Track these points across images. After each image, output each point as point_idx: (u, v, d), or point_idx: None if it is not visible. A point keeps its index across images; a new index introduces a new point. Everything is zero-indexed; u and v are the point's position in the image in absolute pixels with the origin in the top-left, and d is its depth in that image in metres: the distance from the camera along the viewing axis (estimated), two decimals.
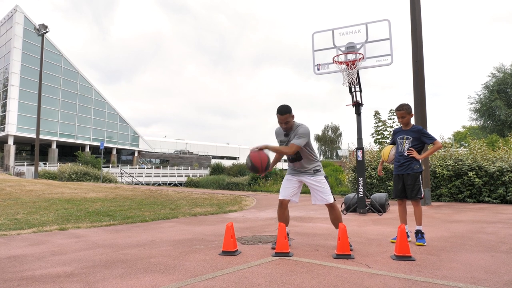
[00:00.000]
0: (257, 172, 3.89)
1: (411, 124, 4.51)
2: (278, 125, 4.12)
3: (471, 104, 31.18)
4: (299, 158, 4.07)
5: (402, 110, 4.44)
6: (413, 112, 4.48)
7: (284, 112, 3.90)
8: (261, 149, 3.86)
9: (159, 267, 3.31)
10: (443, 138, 11.63)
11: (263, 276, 2.99)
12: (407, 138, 4.43)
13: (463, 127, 48.40)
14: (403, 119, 4.46)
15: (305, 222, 6.43)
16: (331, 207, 4.09)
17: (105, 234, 5.25)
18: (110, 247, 4.31)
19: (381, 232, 5.32)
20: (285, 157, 4.26)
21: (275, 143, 4.35)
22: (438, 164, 10.52)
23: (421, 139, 4.39)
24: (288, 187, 4.16)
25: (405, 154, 4.41)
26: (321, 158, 71.61)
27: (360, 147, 7.65)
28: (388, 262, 3.44)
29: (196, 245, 4.36)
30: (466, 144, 11.99)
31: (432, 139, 4.39)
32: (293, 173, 4.19)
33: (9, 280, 2.93)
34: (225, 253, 3.81)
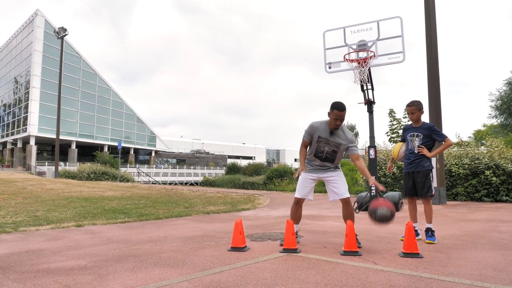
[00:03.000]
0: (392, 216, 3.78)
1: (422, 121, 4.47)
2: (320, 123, 4.03)
3: (491, 101, 30.47)
4: (333, 158, 4.07)
5: (413, 106, 4.42)
6: (423, 110, 4.46)
7: (344, 108, 3.86)
8: (380, 191, 3.81)
9: (169, 262, 3.40)
10: (459, 136, 11.46)
11: (269, 271, 3.04)
12: (417, 136, 4.39)
13: (484, 125, 47.28)
14: (412, 115, 4.43)
15: (316, 220, 6.45)
16: (346, 202, 4.07)
17: (120, 231, 5.40)
18: (124, 242, 4.44)
19: (392, 230, 5.30)
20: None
21: (295, 142, 4.41)
22: (454, 163, 10.35)
23: (432, 136, 4.35)
24: (306, 186, 4.18)
25: (415, 151, 4.38)
26: None
27: (372, 145, 7.61)
28: (395, 259, 3.44)
29: (206, 242, 4.45)
30: (487, 143, 11.75)
31: (442, 137, 4.34)
32: (314, 170, 4.18)
33: (26, 272, 3.07)
34: (234, 249, 3.88)
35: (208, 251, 3.87)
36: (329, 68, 7.89)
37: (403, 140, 4.63)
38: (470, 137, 42.07)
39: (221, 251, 3.86)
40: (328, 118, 3.99)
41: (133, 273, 3.03)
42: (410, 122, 4.67)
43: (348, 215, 4.11)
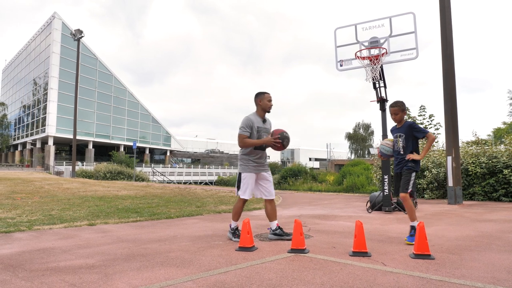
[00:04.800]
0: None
1: (404, 120, 4.43)
2: (252, 115, 4.40)
3: (511, 99, 29.68)
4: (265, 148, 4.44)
5: (396, 107, 4.38)
6: (406, 110, 4.40)
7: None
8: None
9: (176, 261, 3.40)
10: (475, 134, 11.15)
11: (275, 272, 3.01)
12: (400, 136, 4.34)
13: (504, 123, 46.17)
14: (396, 115, 4.39)
15: (327, 220, 6.38)
16: (272, 201, 4.48)
17: (130, 230, 5.44)
18: (133, 241, 4.46)
19: (404, 230, 5.18)
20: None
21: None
22: (471, 162, 10.10)
23: (413, 134, 4.27)
24: (253, 187, 4.43)
25: (401, 152, 4.34)
26: (352, 156, 70.44)
27: None
28: (405, 261, 3.36)
29: (215, 241, 4.44)
30: (506, 141, 11.43)
31: (423, 133, 4.28)
32: (258, 168, 4.39)
33: (35, 270, 3.11)
34: (242, 249, 3.86)
35: (216, 251, 3.86)
36: (341, 65, 7.78)
37: None
38: (489, 135, 41.17)
39: (229, 251, 3.84)
40: (256, 109, 4.43)
41: (139, 272, 3.03)
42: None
43: (273, 210, 4.46)
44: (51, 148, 49.65)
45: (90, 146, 53.72)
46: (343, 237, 4.70)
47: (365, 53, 7.41)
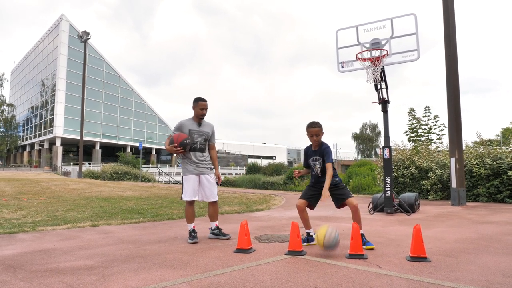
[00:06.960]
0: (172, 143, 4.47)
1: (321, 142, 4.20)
2: (186, 119, 4.68)
3: None
4: (204, 148, 4.66)
5: (317, 127, 4.04)
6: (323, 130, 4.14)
7: (206, 100, 4.64)
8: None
9: (173, 263, 3.45)
10: (479, 135, 11.07)
11: (269, 274, 3.04)
12: (317, 160, 4.15)
13: None
14: (317, 137, 4.08)
15: (329, 222, 6.39)
16: (216, 203, 4.73)
17: (132, 231, 5.50)
18: (133, 243, 4.52)
19: (405, 232, 5.18)
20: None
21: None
22: (475, 163, 10.03)
23: (323, 157, 4.11)
24: (196, 188, 4.57)
25: (319, 175, 4.17)
26: (359, 157, 70.08)
27: (387, 145, 7.47)
28: (401, 263, 3.37)
29: (214, 243, 4.48)
30: None
31: (328, 161, 4.05)
32: (197, 170, 4.56)
33: (35, 271, 3.18)
34: (239, 250, 3.90)
35: (214, 253, 3.90)
36: (342, 67, 7.78)
37: (307, 166, 4.32)
38: (498, 135, 40.76)
39: (227, 253, 3.88)
40: (193, 113, 4.66)
41: (136, 273, 3.08)
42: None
43: (215, 212, 4.72)
44: (59, 149, 50.14)
45: (97, 146, 54.15)
46: (342, 239, 4.68)
47: (366, 54, 7.41)
